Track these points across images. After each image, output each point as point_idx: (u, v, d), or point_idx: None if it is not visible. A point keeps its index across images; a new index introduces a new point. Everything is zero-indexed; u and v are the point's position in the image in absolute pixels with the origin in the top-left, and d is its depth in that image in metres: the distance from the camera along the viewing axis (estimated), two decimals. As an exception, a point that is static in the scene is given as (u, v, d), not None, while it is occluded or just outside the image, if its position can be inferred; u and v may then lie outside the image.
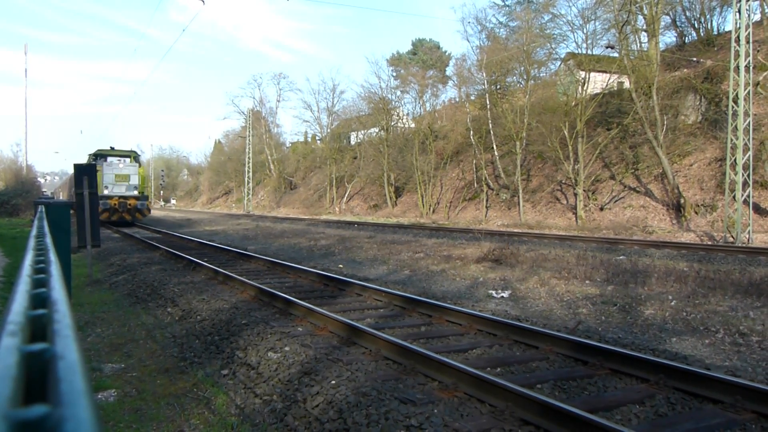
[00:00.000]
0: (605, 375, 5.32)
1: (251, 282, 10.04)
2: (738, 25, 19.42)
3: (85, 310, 9.58)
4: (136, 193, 30.23)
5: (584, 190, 29.37)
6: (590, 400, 4.67)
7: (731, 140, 19.87)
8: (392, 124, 47.37)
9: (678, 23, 38.45)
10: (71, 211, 9.85)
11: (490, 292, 10.37)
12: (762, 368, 5.65)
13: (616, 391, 4.94)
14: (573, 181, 29.66)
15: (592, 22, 31.23)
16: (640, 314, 8.04)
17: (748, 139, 19.59)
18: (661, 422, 4.28)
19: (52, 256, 2.05)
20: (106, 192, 28.80)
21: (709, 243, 19.09)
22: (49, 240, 2.80)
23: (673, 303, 8.54)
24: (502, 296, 10.03)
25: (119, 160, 31.65)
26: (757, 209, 22.32)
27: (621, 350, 5.69)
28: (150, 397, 5.49)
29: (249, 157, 54.64)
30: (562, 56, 36.92)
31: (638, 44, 33.06)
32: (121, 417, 5.03)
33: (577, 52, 33.00)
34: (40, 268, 1.79)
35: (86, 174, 11.75)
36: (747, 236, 19.35)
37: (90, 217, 11.73)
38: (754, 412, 4.32)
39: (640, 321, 7.66)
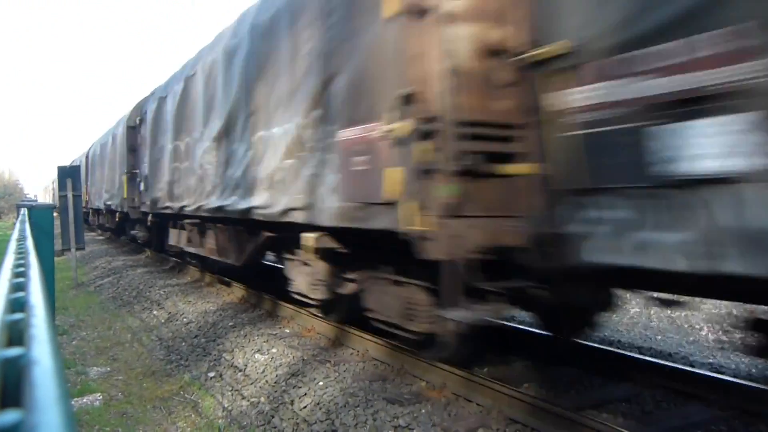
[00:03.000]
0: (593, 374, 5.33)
1: (237, 284, 9.98)
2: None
3: (69, 313, 9.49)
4: None
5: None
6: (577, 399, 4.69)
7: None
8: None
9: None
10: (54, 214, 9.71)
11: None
12: (744, 365, 5.70)
13: (603, 389, 4.96)
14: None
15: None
16: (625, 312, 8.10)
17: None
18: (647, 419, 4.30)
19: (32, 260, 2.02)
20: None
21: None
22: (29, 243, 2.76)
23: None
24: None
25: None
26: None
27: (607, 348, 5.73)
28: (136, 401, 5.45)
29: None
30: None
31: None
32: (107, 421, 4.99)
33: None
34: (20, 272, 1.76)
35: (69, 176, 11.68)
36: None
37: (74, 220, 11.62)
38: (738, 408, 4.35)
39: (625, 319, 7.71)
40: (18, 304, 1.32)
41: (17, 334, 1.10)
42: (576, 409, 4.09)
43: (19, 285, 1.55)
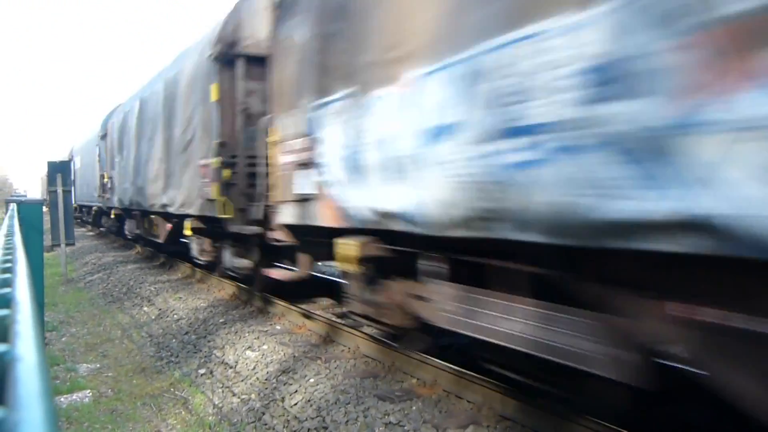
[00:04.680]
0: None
1: (228, 281, 9.95)
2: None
3: (59, 309, 9.44)
4: None
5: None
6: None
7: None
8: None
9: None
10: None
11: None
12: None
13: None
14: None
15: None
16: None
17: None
18: (637, 417, 4.32)
19: (20, 256, 2.00)
20: None
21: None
22: (17, 239, 2.74)
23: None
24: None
25: None
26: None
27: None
28: (126, 398, 5.42)
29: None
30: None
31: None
32: (96, 418, 4.96)
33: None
34: (6, 268, 1.74)
35: (60, 171, 11.62)
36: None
37: (63, 215, 11.56)
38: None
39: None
40: (4, 301, 1.31)
41: (2, 331, 1.08)
42: (566, 406, 4.10)
43: (5, 281, 1.53)
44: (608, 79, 2.44)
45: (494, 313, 3.67)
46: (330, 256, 5.35)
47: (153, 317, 8.51)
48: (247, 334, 6.79)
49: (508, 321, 3.55)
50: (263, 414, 4.72)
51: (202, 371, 5.96)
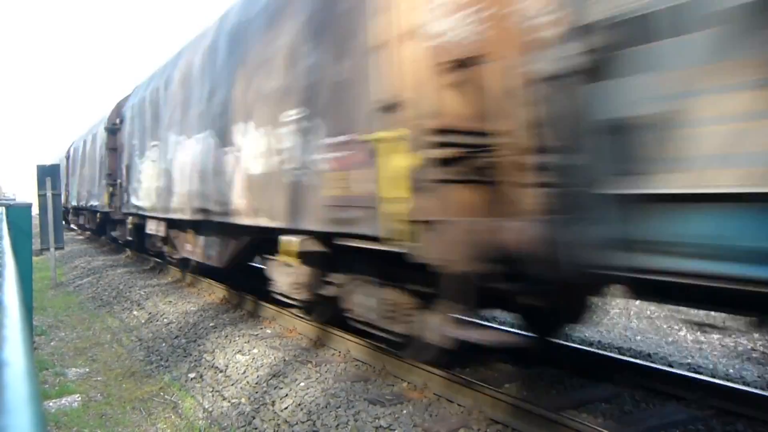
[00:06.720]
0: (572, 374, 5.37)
1: (218, 285, 9.92)
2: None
3: (48, 313, 9.37)
4: None
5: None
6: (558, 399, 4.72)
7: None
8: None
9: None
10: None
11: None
12: (722, 365, 5.78)
13: (583, 390, 5.00)
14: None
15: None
16: (605, 313, 8.17)
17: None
18: (627, 419, 4.34)
19: (8, 260, 1.99)
20: None
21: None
22: (5, 243, 2.72)
23: (637, 302, 8.68)
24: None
25: None
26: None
27: (587, 349, 5.77)
28: (116, 402, 5.39)
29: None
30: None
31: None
32: (85, 422, 4.93)
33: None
34: (-5, 272, 1.74)
35: (49, 175, 11.58)
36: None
37: (53, 219, 11.51)
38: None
39: (605, 320, 7.78)
40: (-9, 305, 1.30)
41: (-11, 335, 1.08)
42: (556, 410, 4.12)
43: (-7, 285, 1.52)
44: None
45: None
46: None
47: (143, 321, 8.47)
48: (237, 338, 6.77)
49: None
50: (254, 418, 4.70)
51: (192, 375, 5.94)
